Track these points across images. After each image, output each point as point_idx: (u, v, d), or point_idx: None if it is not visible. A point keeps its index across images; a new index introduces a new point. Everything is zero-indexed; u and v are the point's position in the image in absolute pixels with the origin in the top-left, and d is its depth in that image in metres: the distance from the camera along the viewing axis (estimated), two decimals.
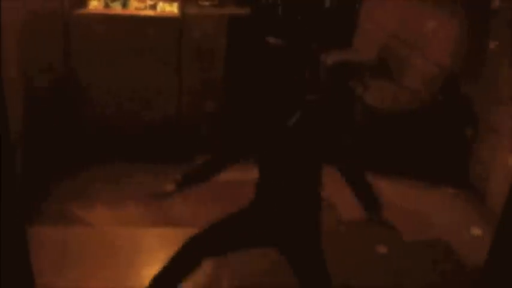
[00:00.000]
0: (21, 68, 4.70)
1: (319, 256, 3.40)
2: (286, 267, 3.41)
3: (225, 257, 3.62)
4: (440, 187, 5.47)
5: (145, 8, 5.76)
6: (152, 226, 4.63)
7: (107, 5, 5.71)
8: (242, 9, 6.07)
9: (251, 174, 4.03)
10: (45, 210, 4.75)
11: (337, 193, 5.19)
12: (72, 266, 4.11)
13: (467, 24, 5.58)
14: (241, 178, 4.07)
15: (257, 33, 6.59)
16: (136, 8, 5.74)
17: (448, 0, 5.88)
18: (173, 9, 5.81)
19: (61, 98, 5.56)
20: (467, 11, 5.58)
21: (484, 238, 4.72)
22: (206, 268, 3.88)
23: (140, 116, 5.81)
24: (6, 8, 3.54)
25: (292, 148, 3.38)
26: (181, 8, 5.76)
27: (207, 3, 6.00)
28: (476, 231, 4.90)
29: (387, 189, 5.42)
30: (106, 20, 5.57)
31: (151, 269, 4.14)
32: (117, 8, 5.71)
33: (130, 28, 5.58)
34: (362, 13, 7.44)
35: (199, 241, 3.48)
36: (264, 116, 3.49)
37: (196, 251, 3.48)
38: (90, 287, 3.92)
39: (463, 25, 5.63)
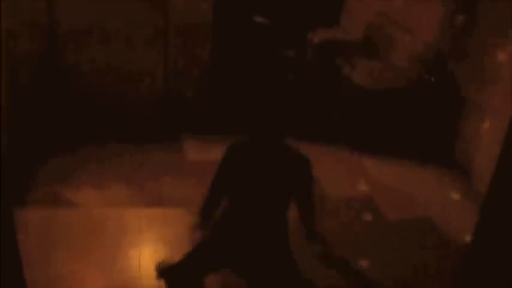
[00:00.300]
0: (6, 49, 4.66)
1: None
2: None
3: None
4: (426, 165, 5.50)
5: None
6: (141, 207, 4.62)
7: None
8: None
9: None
10: (31, 192, 4.73)
11: (323, 170, 5.25)
12: (60, 247, 4.11)
13: (453, 2, 5.58)
14: None
15: (243, 12, 6.56)
16: None
17: None
18: None
19: (48, 79, 5.51)
20: None
21: (468, 215, 4.76)
22: None
23: (127, 95, 5.79)
24: None
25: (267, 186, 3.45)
26: None
27: None
28: (462, 209, 4.94)
29: (373, 167, 5.48)
30: None
31: (139, 250, 4.17)
32: None
33: (117, 6, 5.53)
34: None
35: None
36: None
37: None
38: (78, 268, 3.92)
39: (449, 3, 5.62)
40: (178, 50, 5.78)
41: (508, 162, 2.53)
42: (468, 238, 4.28)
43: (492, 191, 2.61)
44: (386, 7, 6.60)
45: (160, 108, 5.86)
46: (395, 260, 4.27)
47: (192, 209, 4.28)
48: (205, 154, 5.37)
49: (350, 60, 6.18)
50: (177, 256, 4.01)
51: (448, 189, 5.20)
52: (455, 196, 5.12)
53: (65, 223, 4.39)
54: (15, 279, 2.60)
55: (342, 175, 5.33)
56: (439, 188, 5.21)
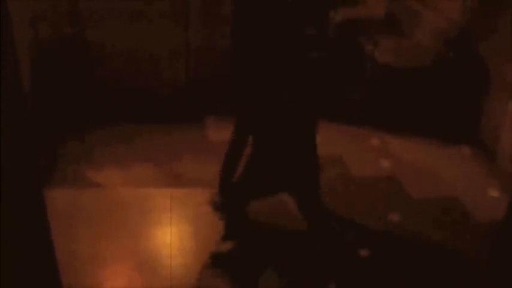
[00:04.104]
0: (29, 31, 4.67)
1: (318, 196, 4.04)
2: None
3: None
4: (451, 144, 5.44)
5: None
6: (163, 186, 4.63)
7: None
8: None
9: None
10: (55, 172, 4.76)
11: (347, 151, 5.23)
12: (83, 227, 4.14)
13: None
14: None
15: None
16: None
17: None
18: None
19: (69, 59, 5.53)
20: None
21: (494, 195, 4.72)
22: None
23: (149, 76, 5.79)
24: None
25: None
26: None
27: None
28: (487, 188, 4.89)
29: (398, 146, 5.43)
30: None
31: (162, 229, 4.19)
32: None
33: None
34: None
35: None
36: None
37: None
38: (101, 248, 3.95)
39: None
40: (199, 29, 5.76)
41: None
42: (493, 215, 4.25)
43: None
44: None
45: (182, 89, 5.85)
46: (419, 237, 4.26)
47: (214, 188, 4.33)
48: (228, 134, 5.37)
49: (373, 38, 6.12)
50: (199, 235, 4.06)
51: (473, 168, 5.14)
52: (481, 175, 5.07)
53: (89, 203, 4.42)
54: (48, 260, 2.63)
55: (366, 155, 5.30)
56: (464, 167, 5.15)
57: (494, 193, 4.75)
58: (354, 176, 4.94)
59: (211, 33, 5.77)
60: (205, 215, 4.32)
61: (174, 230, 4.23)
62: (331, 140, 5.07)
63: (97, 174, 4.79)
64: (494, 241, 2.84)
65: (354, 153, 5.24)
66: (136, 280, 3.75)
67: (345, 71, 6.16)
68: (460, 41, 5.64)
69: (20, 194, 2.30)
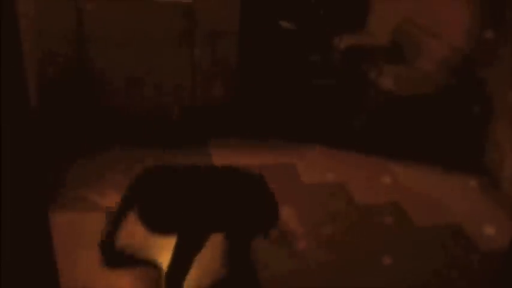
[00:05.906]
0: (34, 53, 4.70)
1: None
2: None
3: None
4: (455, 172, 5.44)
5: None
6: None
7: None
8: None
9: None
10: (58, 195, 4.76)
11: (350, 178, 5.22)
12: (86, 251, 4.12)
13: (481, 5, 5.52)
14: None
15: (270, 17, 6.56)
16: None
17: None
18: None
19: (74, 83, 5.55)
20: None
21: (499, 224, 4.70)
22: None
23: (154, 101, 5.81)
24: None
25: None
26: None
27: None
28: (492, 217, 4.87)
29: (401, 174, 5.42)
30: (119, 4, 5.55)
31: (165, 253, 4.17)
32: None
33: (143, 13, 5.56)
34: None
35: None
36: None
37: None
38: (104, 272, 3.93)
39: (477, 7, 5.57)
40: (205, 55, 5.79)
41: None
42: (497, 245, 4.24)
43: None
44: (413, 11, 6.56)
45: (188, 114, 5.87)
46: (421, 266, 4.23)
47: None
48: (233, 158, 5.37)
49: (377, 65, 6.15)
50: (201, 260, 4.04)
51: (477, 195, 5.13)
52: (485, 203, 5.05)
53: (92, 227, 4.40)
54: (50, 285, 2.62)
55: (369, 182, 5.29)
56: (468, 195, 5.14)
57: (499, 222, 4.73)
58: (356, 204, 4.93)
59: (217, 56, 5.80)
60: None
61: None
62: (334, 168, 5.05)
63: (100, 198, 4.78)
64: (499, 271, 2.82)
65: (356, 180, 5.24)
66: None
67: (348, 98, 6.19)
68: (463, 68, 5.67)
69: (24, 216, 2.30)
